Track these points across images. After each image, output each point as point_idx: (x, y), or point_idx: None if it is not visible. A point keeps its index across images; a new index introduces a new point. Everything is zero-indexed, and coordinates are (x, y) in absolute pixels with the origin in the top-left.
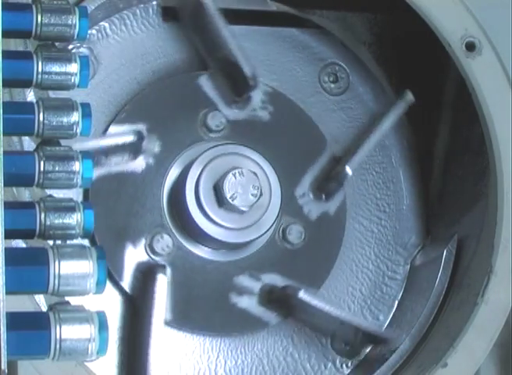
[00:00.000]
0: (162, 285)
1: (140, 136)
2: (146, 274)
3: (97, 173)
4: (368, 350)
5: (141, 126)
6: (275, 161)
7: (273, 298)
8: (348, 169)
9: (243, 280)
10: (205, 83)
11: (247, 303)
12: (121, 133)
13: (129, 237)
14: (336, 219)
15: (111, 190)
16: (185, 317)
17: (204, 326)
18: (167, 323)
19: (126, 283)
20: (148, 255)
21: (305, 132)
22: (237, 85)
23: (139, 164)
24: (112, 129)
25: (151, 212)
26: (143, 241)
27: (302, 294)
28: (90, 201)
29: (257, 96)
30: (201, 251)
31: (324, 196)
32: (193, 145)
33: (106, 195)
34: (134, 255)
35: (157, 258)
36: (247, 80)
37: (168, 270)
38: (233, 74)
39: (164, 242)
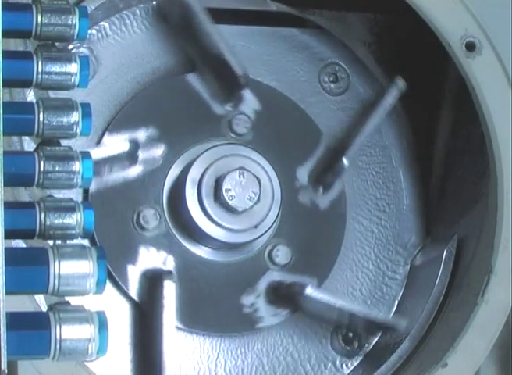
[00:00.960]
0: (170, 291)
1: (135, 144)
2: (153, 281)
3: (95, 182)
4: (368, 350)
5: (135, 134)
6: (271, 156)
7: (279, 296)
8: (345, 161)
9: (244, 279)
10: (196, 82)
11: (251, 301)
12: (116, 143)
13: (132, 243)
14: (336, 211)
15: (110, 197)
16: (184, 317)
17: (204, 326)
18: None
19: (133, 290)
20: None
21: (299, 125)
22: (228, 84)
23: (136, 171)
24: (106, 139)
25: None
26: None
27: (309, 290)
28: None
29: (248, 94)
30: (201, 251)
31: (321, 189)
32: (193, 145)
33: (105, 203)
34: (139, 262)
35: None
36: (237, 78)
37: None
38: (223, 73)
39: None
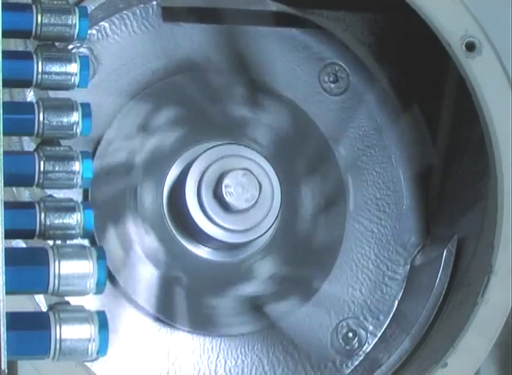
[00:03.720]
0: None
1: (151, 114)
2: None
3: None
4: (368, 350)
5: (157, 108)
6: (279, 165)
7: (254, 307)
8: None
9: (239, 282)
10: (232, 82)
11: (233, 305)
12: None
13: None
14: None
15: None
16: (184, 317)
17: (203, 326)
18: (161, 320)
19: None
20: None
21: (316, 148)
22: (255, 90)
23: (143, 144)
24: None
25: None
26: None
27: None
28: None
29: (274, 103)
30: (201, 251)
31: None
32: (193, 145)
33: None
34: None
35: None
36: (266, 85)
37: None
38: (249, 77)
39: None
